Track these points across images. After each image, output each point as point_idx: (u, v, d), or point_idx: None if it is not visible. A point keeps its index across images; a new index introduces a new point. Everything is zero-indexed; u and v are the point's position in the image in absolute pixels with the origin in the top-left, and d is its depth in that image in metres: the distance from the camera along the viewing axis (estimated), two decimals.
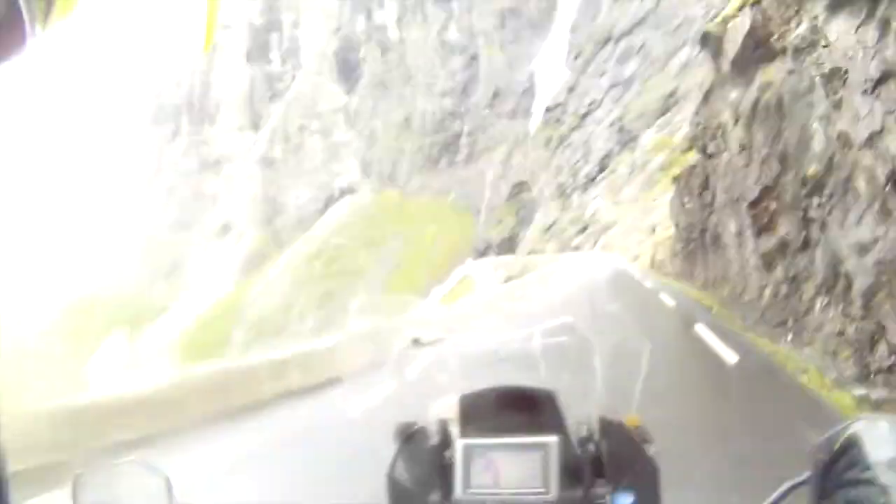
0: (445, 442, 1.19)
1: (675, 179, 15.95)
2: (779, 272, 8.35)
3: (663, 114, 57.89)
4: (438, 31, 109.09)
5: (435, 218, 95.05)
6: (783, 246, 8.07)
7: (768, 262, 8.83)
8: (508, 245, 77.93)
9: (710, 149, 12.14)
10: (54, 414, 6.33)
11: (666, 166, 45.40)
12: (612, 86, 70.66)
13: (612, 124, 66.79)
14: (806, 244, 7.25)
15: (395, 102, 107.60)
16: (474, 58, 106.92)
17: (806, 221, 7.13)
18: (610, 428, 1.14)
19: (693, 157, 15.61)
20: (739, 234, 10.39)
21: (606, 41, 75.82)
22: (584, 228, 60.23)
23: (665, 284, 17.79)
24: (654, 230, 28.17)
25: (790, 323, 7.56)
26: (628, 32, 71.85)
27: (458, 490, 1.12)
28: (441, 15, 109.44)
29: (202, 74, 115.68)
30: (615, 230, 50.30)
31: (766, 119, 8.38)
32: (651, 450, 1.11)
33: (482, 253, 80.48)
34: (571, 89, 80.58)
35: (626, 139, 63.08)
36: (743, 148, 9.69)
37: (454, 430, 1.20)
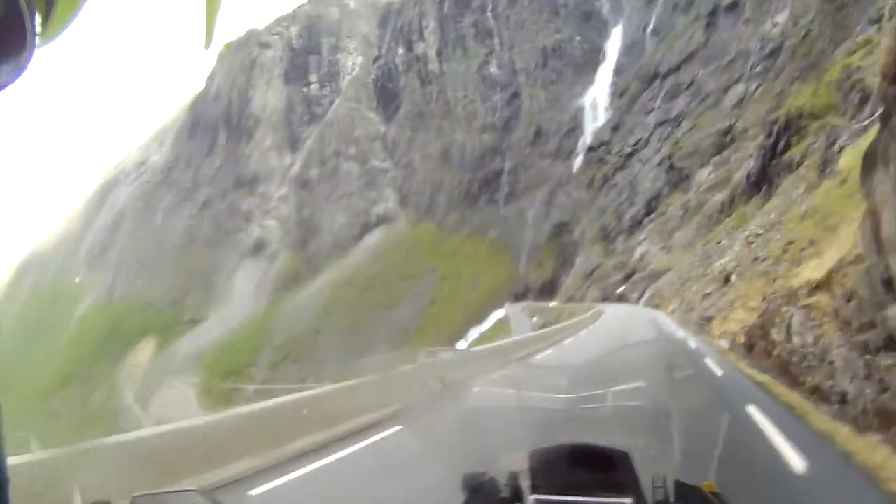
0: (516, 496, 1.11)
1: (867, 158, 6.52)
2: None
3: (719, 152, 53.87)
4: (479, 67, 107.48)
5: (473, 256, 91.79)
6: None
7: None
8: (549, 289, 75.21)
9: None
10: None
11: (727, 206, 41.26)
12: (660, 123, 67.14)
13: (660, 163, 63.07)
14: None
15: (433, 135, 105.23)
16: (515, 95, 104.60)
17: None
18: (687, 492, 1.06)
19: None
20: None
21: (653, 79, 72.74)
22: (631, 275, 56.11)
23: None
24: (727, 279, 24.02)
25: None
26: (676, 69, 68.64)
27: None
28: (481, 50, 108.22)
29: (240, 91, 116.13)
30: (667, 278, 45.68)
31: None
32: None
33: (520, 296, 77.40)
34: (616, 128, 77.51)
35: (677, 179, 59.16)
36: None
37: (525, 484, 1.12)
